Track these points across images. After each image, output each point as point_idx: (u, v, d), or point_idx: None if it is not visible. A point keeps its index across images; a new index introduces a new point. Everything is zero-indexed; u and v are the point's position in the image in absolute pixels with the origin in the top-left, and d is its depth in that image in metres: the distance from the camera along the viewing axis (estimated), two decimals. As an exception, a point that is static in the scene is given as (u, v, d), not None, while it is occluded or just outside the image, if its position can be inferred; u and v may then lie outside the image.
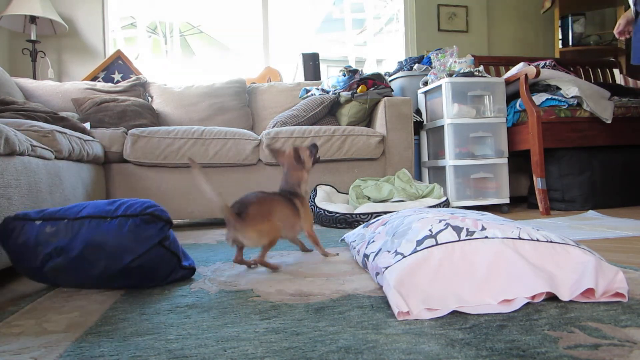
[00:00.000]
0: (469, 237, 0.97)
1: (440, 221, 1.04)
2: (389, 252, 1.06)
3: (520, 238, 0.97)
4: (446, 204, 2.44)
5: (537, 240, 0.96)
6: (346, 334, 0.76)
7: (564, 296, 0.87)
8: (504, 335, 0.72)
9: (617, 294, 0.87)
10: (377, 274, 1.03)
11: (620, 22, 2.48)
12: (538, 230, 1.01)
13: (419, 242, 0.99)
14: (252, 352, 0.70)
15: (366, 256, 1.20)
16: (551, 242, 0.96)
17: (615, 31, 2.52)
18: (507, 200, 2.96)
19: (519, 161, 3.30)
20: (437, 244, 0.96)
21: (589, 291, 0.87)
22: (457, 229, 0.99)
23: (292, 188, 1.44)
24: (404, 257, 0.97)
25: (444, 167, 2.97)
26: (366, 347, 0.70)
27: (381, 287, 1.00)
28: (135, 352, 0.72)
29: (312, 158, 1.50)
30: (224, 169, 2.66)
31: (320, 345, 0.71)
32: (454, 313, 0.83)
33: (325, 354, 0.68)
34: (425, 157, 3.33)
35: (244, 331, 0.79)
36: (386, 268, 0.97)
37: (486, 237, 0.97)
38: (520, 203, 3.48)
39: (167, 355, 0.70)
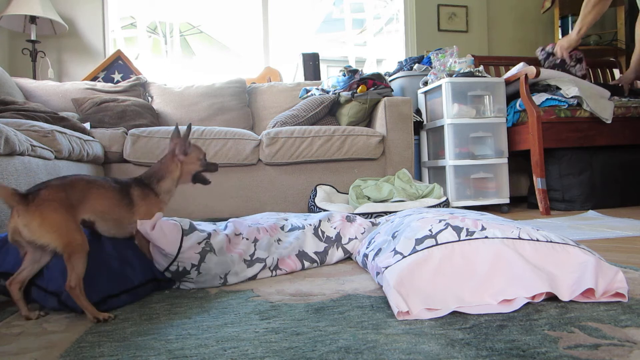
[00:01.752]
0: (469, 237, 0.97)
1: (440, 221, 1.04)
2: (388, 251, 1.06)
3: (520, 238, 0.97)
4: (446, 204, 2.44)
5: (537, 240, 0.96)
6: (346, 334, 0.76)
7: (564, 296, 0.87)
8: (504, 335, 0.72)
9: (617, 294, 0.87)
10: (378, 273, 1.03)
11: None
12: (538, 230, 1.01)
13: (418, 241, 0.98)
14: (252, 352, 0.70)
15: (366, 256, 1.20)
16: (551, 242, 0.96)
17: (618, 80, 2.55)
18: (507, 200, 2.96)
19: (519, 161, 3.29)
20: (437, 244, 0.96)
21: (589, 291, 0.87)
22: (457, 229, 0.99)
23: (149, 178, 1.19)
24: (404, 257, 0.97)
25: (444, 167, 2.96)
26: (366, 347, 0.70)
27: (381, 286, 1.00)
28: (135, 352, 0.72)
29: (198, 162, 1.28)
30: (223, 169, 2.66)
31: (320, 345, 0.71)
32: (454, 313, 0.83)
33: (325, 354, 0.68)
34: (425, 157, 3.33)
35: (244, 331, 0.79)
36: (386, 268, 0.97)
37: (486, 237, 0.97)
38: (520, 203, 3.47)
39: (167, 355, 0.70)
